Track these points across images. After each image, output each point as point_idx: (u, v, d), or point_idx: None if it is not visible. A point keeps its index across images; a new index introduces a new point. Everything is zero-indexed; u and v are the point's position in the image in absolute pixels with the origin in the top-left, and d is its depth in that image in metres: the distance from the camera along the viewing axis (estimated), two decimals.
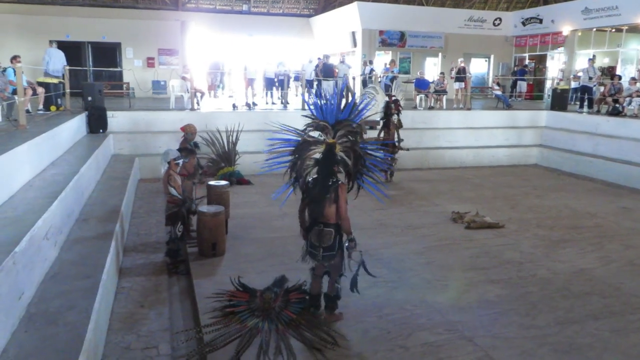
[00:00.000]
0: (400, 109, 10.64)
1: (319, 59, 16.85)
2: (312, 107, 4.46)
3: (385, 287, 5.55)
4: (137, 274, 6.02)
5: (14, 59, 10.04)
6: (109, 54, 19.49)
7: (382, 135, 10.65)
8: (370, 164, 4.44)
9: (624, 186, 11.27)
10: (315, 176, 4.33)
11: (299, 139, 4.43)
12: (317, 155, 4.31)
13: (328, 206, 4.29)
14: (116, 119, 11.87)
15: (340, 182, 4.37)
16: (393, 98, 10.74)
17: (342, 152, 4.28)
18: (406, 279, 5.82)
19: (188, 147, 7.14)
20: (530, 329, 4.70)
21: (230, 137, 11.12)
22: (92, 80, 17.05)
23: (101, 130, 11.27)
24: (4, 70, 10.18)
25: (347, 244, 4.33)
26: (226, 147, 11.04)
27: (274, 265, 5.96)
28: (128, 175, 9.20)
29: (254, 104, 14.44)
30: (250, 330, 4.36)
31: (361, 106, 4.39)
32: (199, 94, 14.08)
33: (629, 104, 13.83)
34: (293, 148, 4.43)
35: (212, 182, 7.40)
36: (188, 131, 7.46)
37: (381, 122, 10.79)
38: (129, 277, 5.93)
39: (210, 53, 19.63)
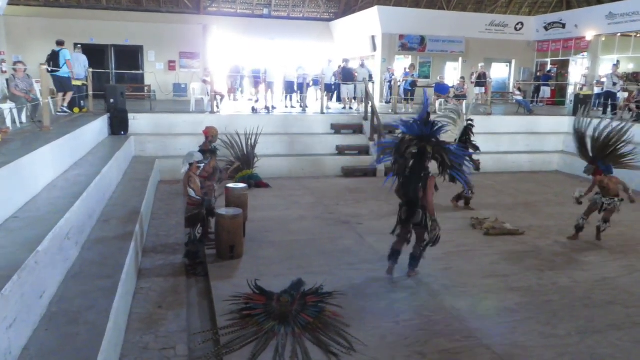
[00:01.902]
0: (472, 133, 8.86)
1: (339, 65, 16.88)
2: (401, 125, 5.61)
3: (403, 293, 5.52)
4: (156, 275, 6.07)
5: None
6: (131, 56, 19.75)
7: None
8: (456, 161, 5.56)
9: None
10: (411, 166, 5.50)
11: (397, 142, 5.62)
12: (414, 151, 5.43)
13: (418, 192, 5.48)
14: (137, 121, 12.03)
15: (431, 175, 5.52)
16: (468, 122, 8.80)
17: (432, 151, 5.41)
18: (425, 284, 5.78)
19: (211, 149, 7.20)
20: (550, 338, 4.62)
21: (250, 140, 11.19)
22: (114, 83, 17.30)
23: (123, 132, 11.43)
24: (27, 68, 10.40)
25: (430, 223, 5.55)
26: (245, 150, 11.11)
27: (291, 269, 5.97)
28: (148, 176, 9.30)
29: (273, 108, 14.50)
30: (266, 333, 4.38)
31: (440, 125, 5.57)
32: (219, 97, 14.19)
33: None
34: (393, 146, 5.66)
35: (230, 185, 7.44)
36: (211, 134, 7.51)
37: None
38: (147, 277, 5.97)
39: (231, 56, 19.75)
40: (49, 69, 9.80)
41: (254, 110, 14.04)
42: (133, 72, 18.88)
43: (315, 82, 16.24)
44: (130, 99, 14.30)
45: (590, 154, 7.56)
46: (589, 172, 7.66)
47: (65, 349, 3.41)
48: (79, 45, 13.64)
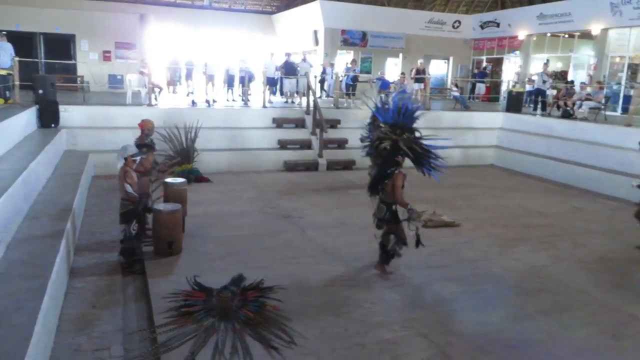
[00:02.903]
0: None
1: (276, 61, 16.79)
2: (378, 115, 5.77)
3: (344, 286, 5.57)
4: (89, 274, 5.84)
5: None
6: (62, 45, 18.76)
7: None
8: (428, 155, 5.64)
9: (575, 187, 11.68)
10: (381, 162, 5.58)
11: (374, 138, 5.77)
12: (387, 146, 5.47)
13: (387, 187, 5.52)
14: (69, 113, 11.46)
15: (397, 172, 5.49)
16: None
17: (405, 147, 5.42)
18: (365, 277, 5.86)
19: (147, 143, 6.97)
20: (484, 326, 4.80)
21: (189, 134, 10.94)
22: (44, 73, 16.40)
23: (53, 125, 10.86)
24: None
25: (407, 215, 5.45)
26: (184, 144, 10.85)
27: (232, 264, 5.89)
28: (81, 171, 8.92)
29: (214, 101, 14.24)
30: (206, 330, 4.31)
31: (414, 112, 5.68)
32: (157, 90, 13.77)
33: (580, 107, 14.35)
34: (371, 141, 5.82)
35: (169, 180, 7.25)
36: (147, 127, 7.28)
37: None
38: (81, 277, 5.74)
39: (171, 48, 19.20)
40: None
41: (193, 103, 13.73)
42: (64, 62, 17.97)
43: (250, 78, 15.95)
44: (61, 90, 13.60)
45: None
46: None
47: None
48: (4, 33, 12.80)
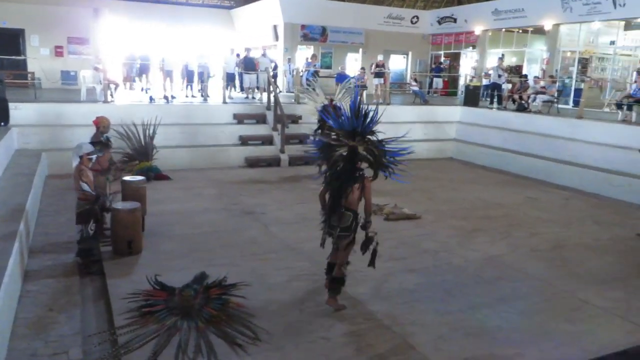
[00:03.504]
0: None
1: (238, 54, 16.63)
2: (331, 121, 5.26)
3: (307, 281, 5.58)
4: (45, 276, 5.66)
5: None
6: (10, 40, 18.02)
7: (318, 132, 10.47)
8: (390, 158, 5.07)
9: (530, 178, 12.05)
10: (340, 168, 4.97)
11: (325, 144, 5.12)
12: (343, 153, 4.92)
13: (351, 194, 4.90)
14: (20, 111, 11.03)
15: (366, 176, 4.98)
16: (334, 103, 10.44)
17: (364, 152, 4.92)
18: None
19: (102, 140, 6.79)
20: (445, 315, 4.91)
21: (147, 131, 10.70)
22: None
23: (2, 124, 10.43)
24: None
25: (363, 223, 4.94)
26: (143, 142, 10.62)
27: (194, 262, 5.82)
28: (34, 171, 8.61)
29: (173, 97, 13.99)
30: (168, 330, 4.22)
31: (372, 115, 5.03)
32: (112, 86, 13.42)
33: (534, 100, 14.79)
34: (322, 148, 5.11)
35: (127, 178, 7.09)
36: (102, 124, 7.09)
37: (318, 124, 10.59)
38: (36, 280, 5.55)
39: (126, 43, 18.73)
40: None
41: (151, 99, 13.45)
42: (13, 57, 17.28)
43: (200, 75, 15.70)
44: (10, 87, 13.07)
45: None
46: None
47: None
48: None
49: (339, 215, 4.93)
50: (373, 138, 5.03)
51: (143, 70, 15.37)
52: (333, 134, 5.21)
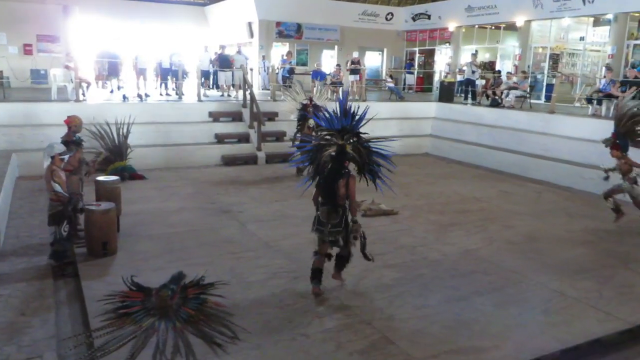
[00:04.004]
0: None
1: (215, 52, 16.48)
2: (320, 120, 5.43)
3: (286, 278, 5.58)
4: (17, 280, 5.53)
5: None
6: None
7: (298, 135, 10.46)
8: (376, 158, 5.23)
9: (504, 172, 12.23)
10: (329, 168, 5.08)
11: (315, 145, 5.31)
12: (332, 153, 5.06)
13: (337, 191, 5.03)
14: None
15: (351, 174, 5.11)
16: (313, 102, 10.47)
17: (351, 151, 5.07)
18: (306, 268, 5.84)
19: (74, 140, 6.67)
20: (422, 309, 4.96)
21: (121, 130, 10.53)
22: None
23: None
24: None
25: (350, 225, 5.15)
26: (117, 141, 10.45)
27: (171, 262, 5.76)
28: (4, 172, 8.40)
29: (147, 95, 13.79)
30: (145, 331, 4.17)
31: (360, 113, 5.21)
32: (84, 84, 13.16)
33: (507, 96, 15.02)
34: (311, 150, 5.28)
35: (101, 178, 6.98)
36: (73, 123, 6.95)
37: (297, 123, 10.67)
38: (7, 283, 5.42)
39: (98, 41, 18.35)
40: None
41: (125, 98, 13.23)
42: None
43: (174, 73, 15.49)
44: None
45: (615, 129, 7.69)
46: (608, 143, 7.68)
47: None
48: None
49: (327, 212, 5.10)
50: (361, 136, 5.19)
51: (111, 70, 14.71)
52: (322, 133, 5.41)
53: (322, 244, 5.25)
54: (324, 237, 5.19)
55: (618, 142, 7.54)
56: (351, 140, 5.14)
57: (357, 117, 5.15)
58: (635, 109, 7.64)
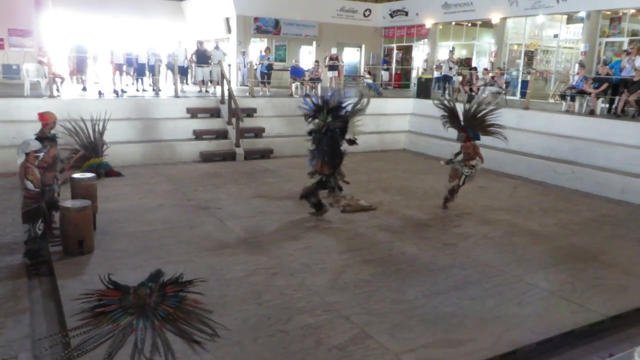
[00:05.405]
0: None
1: (179, 42, 16.30)
2: (309, 102, 7.46)
3: (265, 274, 5.58)
4: None
5: None
6: None
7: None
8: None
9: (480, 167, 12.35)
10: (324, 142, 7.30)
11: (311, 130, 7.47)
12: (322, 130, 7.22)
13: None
14: None
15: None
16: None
17: (335, 123, 7.17)
18: (285, 264, 5.90)
19: (49, 136, 6.55)
20: (400, 303, 5.01)
21: (97, 126, 10.37)
22: None
23: None
24: None
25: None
26: (92, 137, 10.28)
27: (149, 260, 5.71)
28: None
29: (123, 91, 13.60)
30: (123, 330, 4.16)
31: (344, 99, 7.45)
32: (58, 80, 12.91)
33: (483, 92, 15.20)
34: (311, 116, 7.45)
35: (76, 175, 6.87)
36: (51, 120, 6.82)
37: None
38: None
39: (72, 35, 17.98)
40: None
41: (100, 94, 13.03)
42: None
43: (169, 66, 15.40)
44: None
45: (462, 123, 8.40)
46: (460, 139, 8.50)
47: None
48: None
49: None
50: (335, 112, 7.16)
51: (80, 65, 14.34)
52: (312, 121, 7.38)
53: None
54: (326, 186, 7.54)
55: (470, 135, 8.33)
56: (330, 116, 7.12)
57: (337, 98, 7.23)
58: (476, 106, 8.47)
